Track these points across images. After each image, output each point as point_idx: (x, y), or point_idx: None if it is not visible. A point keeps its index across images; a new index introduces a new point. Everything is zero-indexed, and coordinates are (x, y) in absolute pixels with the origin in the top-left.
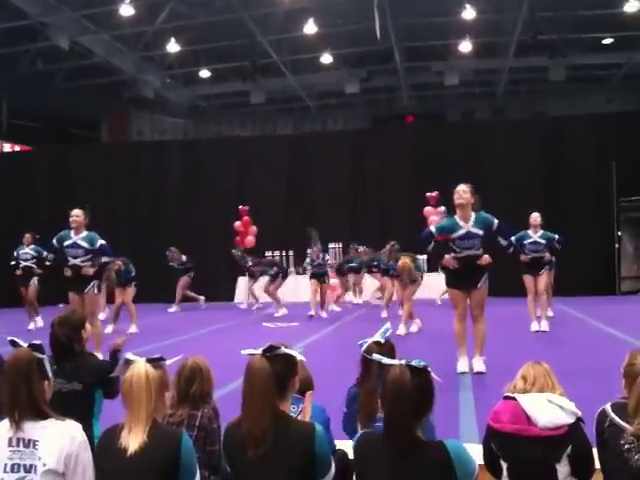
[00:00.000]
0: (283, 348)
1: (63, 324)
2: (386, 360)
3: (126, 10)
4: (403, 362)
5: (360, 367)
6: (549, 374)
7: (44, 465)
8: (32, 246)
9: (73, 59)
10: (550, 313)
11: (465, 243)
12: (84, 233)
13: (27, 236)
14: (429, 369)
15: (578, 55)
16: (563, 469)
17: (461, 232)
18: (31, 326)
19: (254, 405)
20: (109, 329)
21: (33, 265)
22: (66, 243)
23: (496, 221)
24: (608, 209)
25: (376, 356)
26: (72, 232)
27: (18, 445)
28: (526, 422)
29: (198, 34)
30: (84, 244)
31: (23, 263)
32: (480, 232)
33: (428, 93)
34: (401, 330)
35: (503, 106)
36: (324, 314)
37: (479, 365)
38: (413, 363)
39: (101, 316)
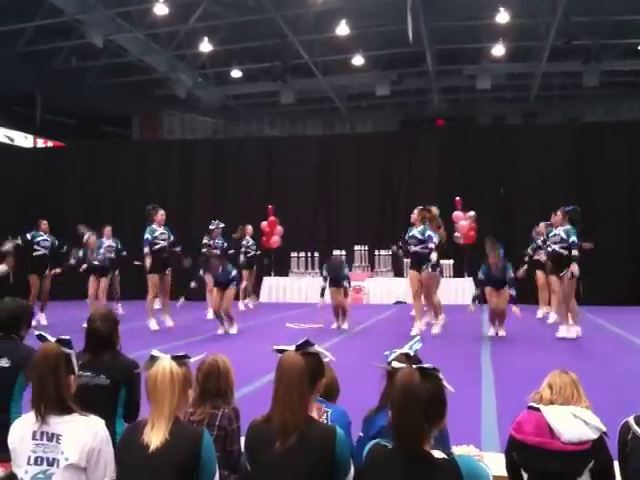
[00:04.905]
0: (316, 346)
1: (105, 318)
2: (396, 364)
3: (160, 9)
4: (413, 366)
5: (385, 380)
6: (576, 385)
7: (66, 459)
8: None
9: (107, 57)
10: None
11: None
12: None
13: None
14: (441, 375)
15: (613, 61)
16: None
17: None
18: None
19: (289, 398)
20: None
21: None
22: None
23: None
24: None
25: (396, 364)
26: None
27: (42, 438)
28: (549, 435)
29: (230, 34)
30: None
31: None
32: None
33: (459, 97)
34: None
35: (535, 111)
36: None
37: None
38: (425, 366)
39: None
